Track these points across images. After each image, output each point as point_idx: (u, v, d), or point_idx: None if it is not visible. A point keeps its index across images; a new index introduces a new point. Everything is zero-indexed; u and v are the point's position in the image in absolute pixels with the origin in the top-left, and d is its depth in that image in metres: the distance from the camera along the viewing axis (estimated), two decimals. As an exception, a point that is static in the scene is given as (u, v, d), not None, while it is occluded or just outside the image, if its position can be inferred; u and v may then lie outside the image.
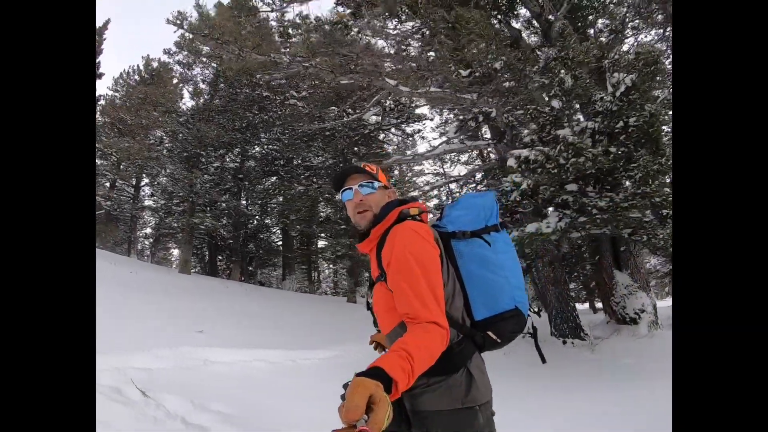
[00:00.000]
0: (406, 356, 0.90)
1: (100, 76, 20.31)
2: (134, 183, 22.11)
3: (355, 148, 15.91)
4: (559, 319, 7.26)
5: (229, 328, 7.50)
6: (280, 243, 20.05)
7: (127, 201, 21.45)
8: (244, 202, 17.20)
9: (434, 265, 1.13)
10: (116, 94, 22.34)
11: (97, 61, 20.01)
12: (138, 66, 23.03)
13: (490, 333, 1.19)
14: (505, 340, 1.22)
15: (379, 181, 1.32)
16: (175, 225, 17.51)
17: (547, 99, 6.24)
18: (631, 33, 9.25)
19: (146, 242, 23.52)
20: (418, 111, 17.22)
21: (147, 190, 22.34)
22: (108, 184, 21.34)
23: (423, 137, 18.67)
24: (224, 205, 15.59)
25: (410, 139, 18.56)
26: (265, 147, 16.07)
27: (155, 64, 22.62)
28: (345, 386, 0.89)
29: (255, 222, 18.22)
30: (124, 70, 23.10)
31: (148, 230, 23.71)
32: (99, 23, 20.70)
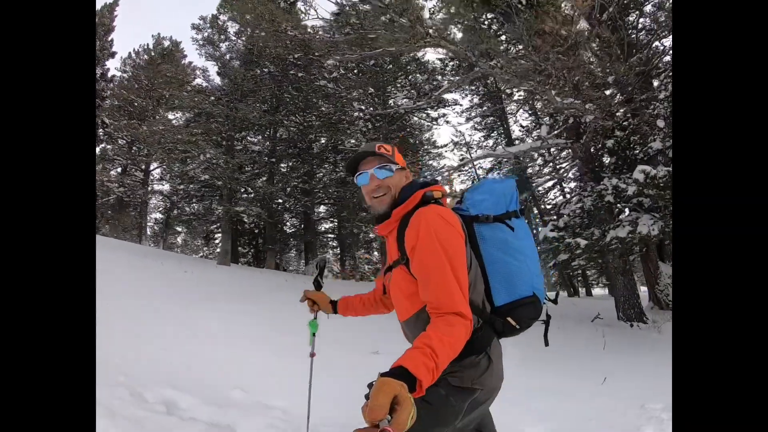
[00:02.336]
0: (430, 353, 0.90)
1: (113, 54, 19.40)
2: (143, 168, 21.34)
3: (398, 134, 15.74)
4: (627, 305, 7.85)
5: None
6: (301, 227, 19.75)
7: (138, 186, 20.67)
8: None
9: (460, 251, 1.12)
10: (124, 74, 21.43)
11: (109, 38, 19.08)
12: (148, 45, 22.11)
13: (509, 319, 1.19)
14: (524, 326, 1.22)
15: (395, 162, 1.29)
16: (217, 211, 16.86)
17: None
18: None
19: (155, 228, 22.74)
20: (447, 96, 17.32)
21: (156, 174, 21.68)
22: (120, 169, 20.56)
23: (447, 121, 18.71)
24: (258, 190, 15.16)
25: (435, 122, 18.63)
26: (298, 127, 15.67)
27: (166, 43, 21.78)
28: (370, 386, 0.88)
29: (280, 206, 17.85)
30: (134, 50, 22.18)
31: (158, 215, 22.97)
32: (108, -1, 19.74)
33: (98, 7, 19.14)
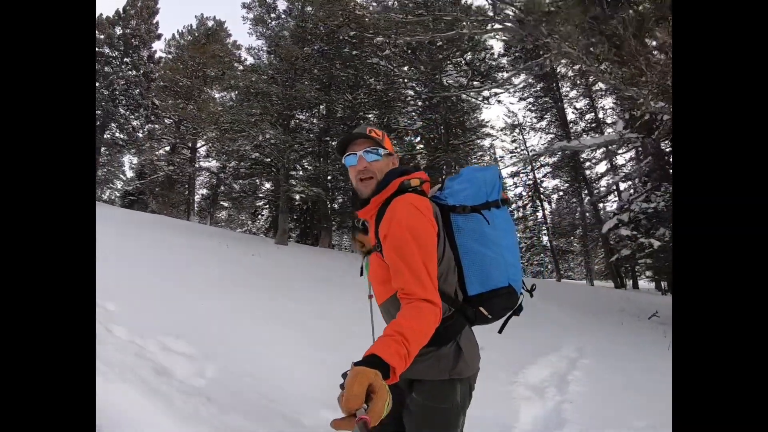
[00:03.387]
0: (401, 340, 0.91)
1: (159, 36, 19.52)
2: (190, 146, 21.71)
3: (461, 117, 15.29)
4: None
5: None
6: (348, 205, 19.73)
7: (186, 164, 21.08)
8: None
9: (431, 241, 1.12)
10: (169, 55, 21.60)
11: (154, 21, 19.19)
12: (191, 26, 22.14)
13: (481, 309, 1.19)
14: (496, 317, 1.23)
15: (384, 147, 1.28)
16: (264, 188, 16.95)
17: None
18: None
19: (202, 203, 23.26)
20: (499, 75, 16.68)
21: (202, 151, 22.03)
22: (168, 148, 21.00)
23: (499, 101, 18.07)
24: (313, 168, 15.16)
25: (486, 102, 18.06)
26: (348, 105, 15.46)
27: (210, 23, 21.76)
28: (344, 375, 0.86)
29: (331, 185, 17.84)
30: (178, 31, 22.27)
31: (203, 192, 23.48)
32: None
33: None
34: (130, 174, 24.56)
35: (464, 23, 11.26)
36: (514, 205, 18.85)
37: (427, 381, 1.16)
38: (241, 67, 15.15)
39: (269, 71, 14.38)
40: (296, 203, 18.02)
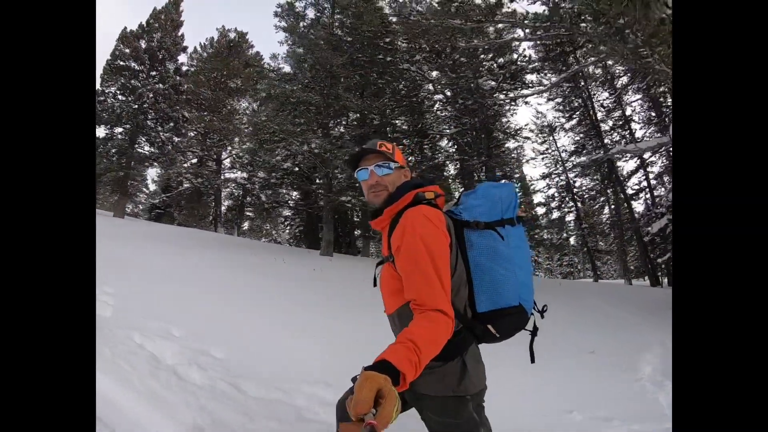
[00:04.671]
0: (413, 348, 0.91)
1: (185, 49, 19.53)
2: (215, 157, 21.68)
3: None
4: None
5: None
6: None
7: (213, 175, 21.03)
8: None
9: (443, 252, 1.12)
10: (191, 68, 21.60)
11: (179, 33, 19.19)
12: (213, 38, 22.18)
13: (490, 327, 1.18)
14: (504, 336, 1.22)
15: (395, 161, 1.30)
16: (292, 197, 16.88)
17: None
18: None
19: (227, 215, 23.19)
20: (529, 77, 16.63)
21: (227, 163, 22.00)
22: (195, 160, 20.96)
23: (527, 102, 18.03)
24: (349, 177, 15.04)
25: (513, 103, 17.99)
26: (381, 111, 15.40)
27: (232, 35, 21.79)
28: (353, 380, 0.87)
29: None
30: (200, 43, 22.34)
31: (228, 203, 23.39)
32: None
33: (162, 4, 19.29)
34: (153, 187, 24.62)
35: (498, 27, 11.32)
36: (546, 208, 18.74)
37: (436, 397, 1.16)
38: (273, 76, 15.10)
39: (305, 80, 14.34)
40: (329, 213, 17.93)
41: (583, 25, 11.26)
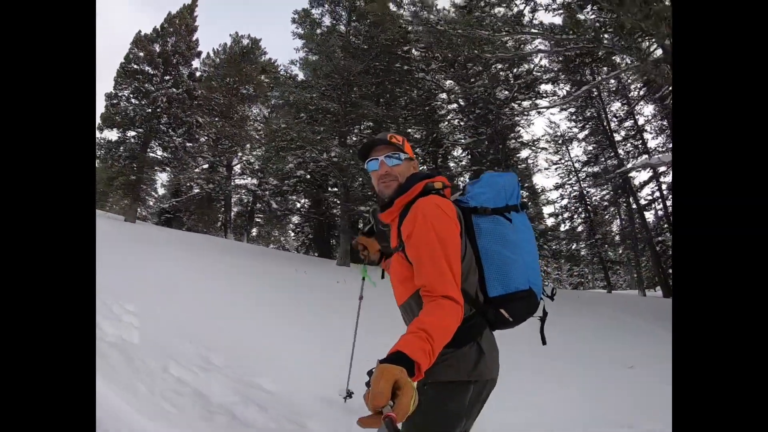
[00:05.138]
0: (425, 337, 0.91)
1: (199, 54, 19.48)
2: (225, 163, 21.60)
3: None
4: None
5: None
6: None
7: (223, 181, 20.94)
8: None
9: (454, 240, 1.13)
10: (204, 73, 21.56)
11: (194, 38, 19.16)
12: (226, 44, 22.19)
13: (503, 311, 1.19)
14: (517, 320, 1.23)
15: (405, 152, 1.32)
16: (300, 204, 16.80)
17: None
18: None
19: (237, 221, 23.06)
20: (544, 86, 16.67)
21: (237, 169, 21.94)
22: (206, 166, 20.87)
23: (539, 112, 18.05)
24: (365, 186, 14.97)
25: (526, 113, 18.00)
26: (400, 120, 15.37)
27: (245, 41, 21.81)
28: (369, 373, 0.86)
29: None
30: (213, 49, 22.35)
31: (236, 209, 23.28)
32: (188, 0, 19.75)
33: (176, 9, 19.30)
34: (161, 191, 24.49)
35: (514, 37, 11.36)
36: (560, 217, 18.68)
37: (444, 382, 1.14)
38: (291, 83, 15.07)
39: (321, 87, 14.32)
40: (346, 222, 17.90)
41: (606, 36, 11.32)
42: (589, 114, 18.78)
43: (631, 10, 7.74)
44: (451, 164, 17.36)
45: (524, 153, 17.99)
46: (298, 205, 20.43)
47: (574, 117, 18.97)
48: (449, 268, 1.08)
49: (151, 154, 17.60)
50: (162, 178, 22.14)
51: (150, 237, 11.99)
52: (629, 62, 13.21)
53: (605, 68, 16.64)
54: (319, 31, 15.82)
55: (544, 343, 1.36)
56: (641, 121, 18.33)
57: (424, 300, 1.07)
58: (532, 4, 11.70)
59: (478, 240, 1.22)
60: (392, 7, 14.66)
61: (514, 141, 16.04)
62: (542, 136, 16.93)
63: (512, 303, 1.19)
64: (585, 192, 18.70)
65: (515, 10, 11.39)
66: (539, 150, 16.26)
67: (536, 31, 9.89)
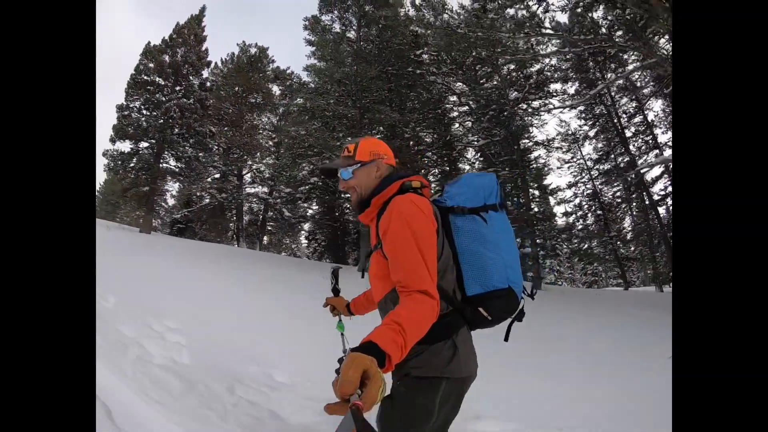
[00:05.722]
0: (398, 329, 0.91)
1: (209, 63, 19.53)
2: (236, 172, 21.63)
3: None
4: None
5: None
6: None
7: (235, 190, 20.96)
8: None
9: (430, 236, 1.14)
10: (213, 84, 21.61)
11: (203, 48, 19.24)
12: (234, 53, 22.29)
13: (481, 309, 1.20)
14: (495, 319, 1.23)
15: (356, 161, 1.33)
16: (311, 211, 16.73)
17: None
18: None
19: (248, 229, 23.05)
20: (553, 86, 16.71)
21: (247, 177, 21.96)
22: (218, 175, 20.88)
23: (550, 110, 18.08)
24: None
25: (537, 113, 18.03)
26: (412, 124, 15.40)
27: (253, 50, 21.90)
28: (340, 361, 0.91)
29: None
30: (221, 59, 22.45)
31: (247, 218, 23.27)
32: (195, 11, 19.90)
33: (184, 20, 19.39)
34: (170, 201, 24.48)
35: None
36: (574, 216, 18.66)
37: (418, 377, 1.15)
38: (306, 89, 15.11)
39: (335, 93, 14.38)
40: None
41: (619, 33, 11.39)
42: (598, 111, 18.84)
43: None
44: (466, 167, 17.35)
45: (535, 152, 18.04)
46: (311, 212, 20.48)
47: (583, 115, 19.01)
48: (424, 263, 1.09)
49: (164, 165, 17.63)
50: (172, 188, 22.25)
51: (170, 248, 11.97)
52: (636, 58, 13.33)
53: (613, 65, 16.77)
54: (329, 37, 15.93)
55: (506, 339, 1.35)
56: (651, 116, 18.41)
57: (399, 295, 1.07)
58: (545, 4, 11.84)
59: (456, 238, 1.23)
60: (406, 10, 14.77)
61: (528, 141, 16.02)
62: (556, 135, 16.87)
63: (490, 301, 1.20)
64: (598, 190, 18.70)
65: (528, 11, 11.47)
66: (553, 149, 16.23)
67: (554, 32, 9.96)
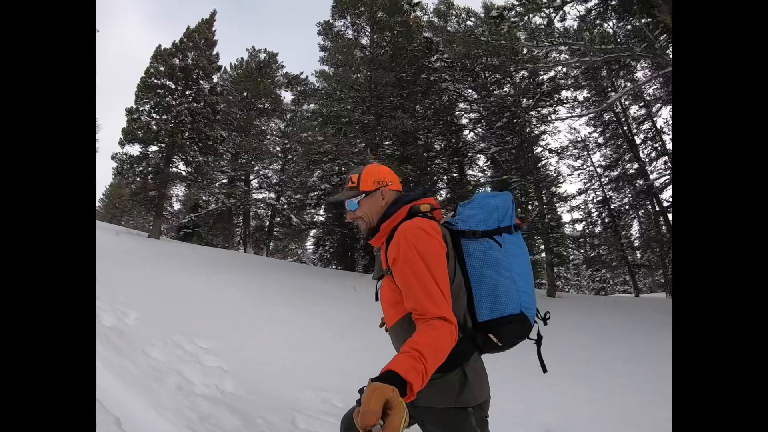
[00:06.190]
0: (418, 357, 0.90)
1: (219, 68, 19.44)
2: (244, 178, 21.54)
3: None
4: None
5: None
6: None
7: (243, 195, 20.84)
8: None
9: (440, 261, 1.12)
10: (224, 89, 21.55)
11: (214, 52, 19.17)
12: (243, 58, 22.25)
13: (491, 336, 1.18)
14: (507, 345, 1.21)
15: (361, 191, 1.33)
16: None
17: None
18: None
19: (255, 235, 22.92)
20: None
21: (254, 183, 21.87)
22: (225, 180, 20.77)
23: (560, 118, 18.16)
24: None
25: (545, 120, 18.06)
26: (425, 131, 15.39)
27: (263, 55, 21.88)
28: (361, 391, 0.88)
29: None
30: (230, 64, 22.39)
31: (253, 223, 23.15)
32: (205, 15, 19.87)
33: (194, 24, 19.34)
34: (176, 206, 24.31)
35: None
36: (584, 222, 18.67)
37: (436, 409, 1.14)
38: (320, 94, 15.08)
39: (350, 99, 14.34)
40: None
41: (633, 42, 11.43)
42: (607, 118, 18.91)
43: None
44: (478, 173, 17.35)
45: (546, 160, 18.03)
46: (319, 218, 20.39)
47: (592, 122, 19.08)
48: (438, 288, 1.07)
49: (174, 169, 17.49)
50: (178, 193, 22.10)
51: (184, 256, 11.83)
52: (646, 65, 13.37)
53: (622, 72, 16.87)
54: (342, 42, 15.93)
55: (544, 370, 1.30)
56: (660, 122, 18.48)
57: (416, 323, 1.05)
58: (561, 12, 11.90)
59: (468, 263, 1.21)
60: (421, 15, 14.77)
61: (541, 148, 16.04)
62: (570, 142, 16.91)
63: (502, 327, 1.18)
64: (608, 197, 18.73)
65: (548, 17, 11.52)
66: (567, 157, 16.26)
67: (574, 42, 9.98)
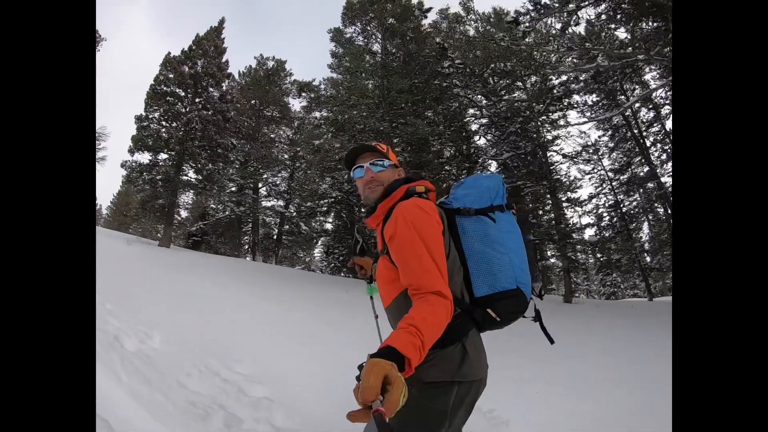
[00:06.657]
0: (415, 332, 0.91)
1: (229, 75, 19.46)
2: (253, 186, 21.47)
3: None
4: None
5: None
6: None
7: (252, 203, 20.78)
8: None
9: (436, 237, 1.14)
10: (233, 97, 21.57)
11: (223, 60, 19.19)
12: (251, 66, 22.27)
13: (489, 311, 1.19)
14: (505, 320, 1.22)
15: (389, 159, 1.35)
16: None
17: None
18: None
19: (263, 242, 22.81)
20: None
21: (263, 191, 21.81)
22: (234, 188, 20.71)
23: (569, 122, 18.10)
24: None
25: (554, 125, 18.01)
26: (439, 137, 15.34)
27: (271, 63, 21.91)
28: (360, 367, 0.88)
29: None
30: (239, 71, 22.41)
31: (262, 231, 23.06)
32: (214, 23, 19.94)
33: (204, 31, 19.36)
34: (184, 214, 24.19)
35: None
36: (595, 227, 18.57)
37: (428, 382, 1.14)
38: (334, 101, 15.03)
39: (362, 106, 14.31)
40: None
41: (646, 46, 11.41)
42: (616, 121, 18.87)
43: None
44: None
45: (559, 165, 17.97)
46: (328, 226, 20.32)
47: (602, 126, 19.05)
48: (434, 263, 1.08)
49: (184, 177, 17.42)
50: (186, 201, 22.00)
51: (200, 266, 11.72)
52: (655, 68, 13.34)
53: (633, 75, 16.86)
54: (353, 49, 15.93)
55: (551, 341, 1.33)
56: (669, 125, 18.43)
57: (412, 298, 1.06)
58: (576, 17, 11.91)
59: (463, 240, 1.23)
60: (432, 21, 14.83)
61: (554, 153, 15.98)
62: (584, 147, 16.84)
63: (499, 302, 1.19)
64: (620, 200, 18.66)
65: (563, 21, 11.52)
66: (580, 162, 16.20)
67: (593, 47, 9.97)
